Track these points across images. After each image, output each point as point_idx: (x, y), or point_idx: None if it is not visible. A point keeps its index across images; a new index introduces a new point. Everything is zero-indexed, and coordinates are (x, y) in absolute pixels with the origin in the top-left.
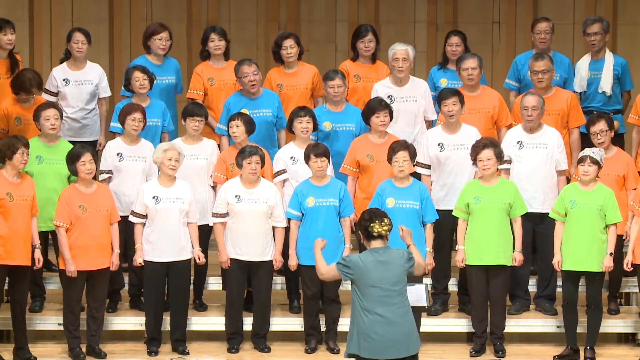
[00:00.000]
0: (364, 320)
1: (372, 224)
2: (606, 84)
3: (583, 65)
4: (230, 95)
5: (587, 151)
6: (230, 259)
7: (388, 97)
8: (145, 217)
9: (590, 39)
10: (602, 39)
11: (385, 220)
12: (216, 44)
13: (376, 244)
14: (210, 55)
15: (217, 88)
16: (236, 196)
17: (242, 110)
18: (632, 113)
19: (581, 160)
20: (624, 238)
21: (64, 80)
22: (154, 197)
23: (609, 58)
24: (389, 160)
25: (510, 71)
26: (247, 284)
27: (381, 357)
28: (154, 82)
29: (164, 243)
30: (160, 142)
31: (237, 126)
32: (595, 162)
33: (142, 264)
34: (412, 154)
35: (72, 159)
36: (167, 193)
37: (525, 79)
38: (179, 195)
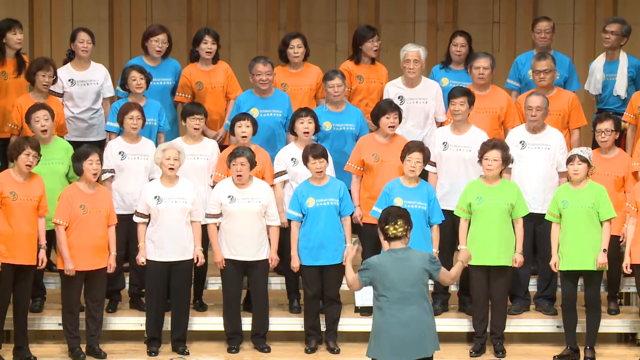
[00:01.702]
0: (381, 321)
1: (386, 226)
2: (620, 88)
3: (597, 67)
4: (242, 93)
5: (575, 150)
6: (226, 259)
7: (398, 97)
8: (148, 216)
9: (605, 35)
10: (618, 39)
11: (399, 222)
12: (209, 46)
13: (396, 244)
14: (199, 57)
15: (205, 92)
16: (229, 196)
17: (252, 110)
18: (627, 112)
19: (570, 160)
20: (620, 240)
21: (69, 80)
22: (155, 197)
23: (622, 60)
24: (402, 158)
25: (511, 71)
26: (247, 284)
27: (393, 358)
28: (150, 82)
29: (167, 243)
30: (156, 141)
31: (247, 126)
32: (584, 160)
33: (145, 263)
34: (426, 157)
35: (80, 157)
36: (169, 193)
37: (525, 78)
38: (181, 194)
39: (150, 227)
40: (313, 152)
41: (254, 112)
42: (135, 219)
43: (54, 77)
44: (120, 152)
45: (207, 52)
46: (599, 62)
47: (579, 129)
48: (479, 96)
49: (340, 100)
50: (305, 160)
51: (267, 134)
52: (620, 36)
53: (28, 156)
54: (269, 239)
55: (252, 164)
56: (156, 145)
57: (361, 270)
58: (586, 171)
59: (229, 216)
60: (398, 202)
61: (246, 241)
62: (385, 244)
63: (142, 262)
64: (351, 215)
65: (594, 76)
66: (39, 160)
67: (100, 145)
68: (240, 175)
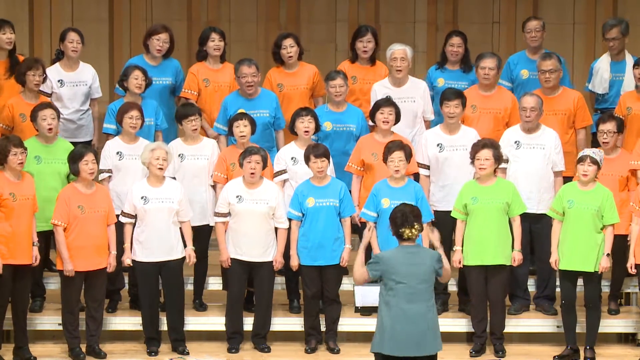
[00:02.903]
0: (387, 315)
1: (402, 229)
2: (629, 87)
3: (603, 66)
4: (228, 95)
5: (587, 151)
6: (231, 258)
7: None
8: (134, 217)
9: (609, 44)
10: (621, 42)
11: (416, 227)
12: (216, 44)
13: (407, 241)
14: (206, 56)
15: (212, 89)
16: (237, 196)
17: (239, 111)
18: (616, 112)
19: (581, 160)
20: (628, 239)
21: (58, 81)
22: (142, 198)
23: (629, 60)
24: (384, 160)
25: (503, 71)
26: (249, 284)
27: (400, 353)
28: (150, 86)
29: (154, 243)
30: (154, 140)
31: (245, 126)
32: (595, 162)
33: (131, 264)
34: (408, 154)
35: (75, 158)
36: (156, 193)
37: (518, 78)
38: (167, 195)
39: (137, 227)
40: (315, 152)
41: None
42: (122, 219)
43: (44, 75)
44: (117, 152)
45: (215, 50)
46: (604, 61)
47: (584, 128)
48: (484, 96)
49: (341, 100)
50: (307, 160)
51: (256, 134)
52: (622, 38)
53: (16, 155)
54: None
55: (265, 164)
56: None
57: (371, 263)
58: (595, 173)
59: (236, 216)
60: (385, 202)
61: (252, 242)
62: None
63: (128, 264)
64: (351, 216)
65: (600, 76)
66: (26, 155)
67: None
68: (253, 174)
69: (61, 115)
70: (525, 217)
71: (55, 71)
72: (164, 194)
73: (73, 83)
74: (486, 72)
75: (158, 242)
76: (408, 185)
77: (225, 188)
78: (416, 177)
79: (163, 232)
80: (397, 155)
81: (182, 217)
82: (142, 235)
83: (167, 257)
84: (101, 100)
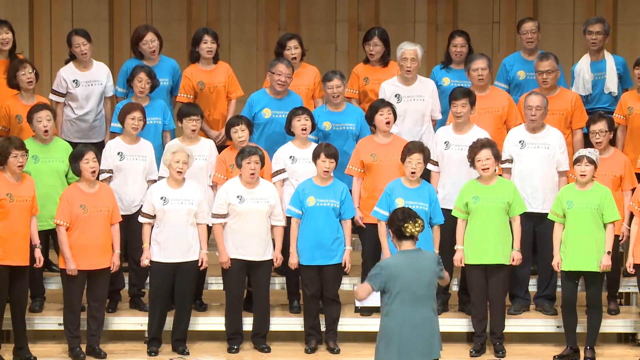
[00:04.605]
0: (392, 324)
1: (405, 224)
2: (612, 84)
3: (584, 68)
4: (255, 92)
5: (583, 151)
6: (231, 259)
7: (395, 95)
8: (153, 217)
9: (591, 37)
10: (603, 39)
11: (419, 222)
12: (209, 46)
13: (407, 245)
14: (199, 57)
15: (207, 91)
16: (238, 196)
17: (264, 109)
18: (617, 112)
19: (577, 161)
20: (620, 239)
21: (74, 81)
22: (162, 198)
23: (609, 58)
24: (402, 159)
25: (498, 73)
26: (248, 284)
27: None
28: (157, 87)
29: (173, 244)
30: (162, 141)
31: (243, 130)
32: (591, 161)
33: (149, 264)
34: (427, 157)
35: (76, 157)
36: (176, 194)
37: (515, 79)
38: (187, 196)
39: (155, 228)
40: (326, 151)
41: (267, 112)
42: (141, 219)
43: (34, 71)
44: (119, 153)
45: (207, 52)
46: (584, 63)
47: (581, 129)
48: (479, 97)
49: (340, 101)
50: (316, 157)
51: (279, 135)
52: (604, 35)
53: (17, 157)
54: (273, 239)
55: (263, 163)
56: (161, 145)
57: (374, 274)
58: (593, 172)
59: (237, 216)
60: (400, 202)
61: (254, 241)
62: (396, 244)
63: (147, 264)
64: (352, 219)
65: (582, 77)
66: (27, 157)
67: (100, 147)
68: (253, 174)
69: (75, 115)
70: (529, 217)
71: (69, 71)
72: (184, 195)
73: (88, 82)
74: (479, 73)
75: (177, 243)
76: (422, 187)
77: (223, 189)
78: (426, 172)
79: (182, 233)
80: (416, 157)
81: (200, 219)
82: (161, 235)
83: (184, 258)
84: None
